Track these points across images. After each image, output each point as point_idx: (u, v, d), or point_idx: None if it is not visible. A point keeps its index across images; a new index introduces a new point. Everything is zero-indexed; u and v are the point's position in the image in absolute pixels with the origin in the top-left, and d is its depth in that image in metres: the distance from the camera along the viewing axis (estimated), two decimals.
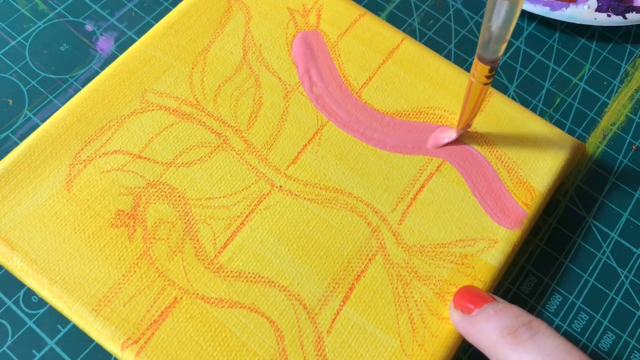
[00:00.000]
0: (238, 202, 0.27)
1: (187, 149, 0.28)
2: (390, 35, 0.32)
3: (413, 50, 0.32)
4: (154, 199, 0.27)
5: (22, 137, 0.31)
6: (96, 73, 0.33)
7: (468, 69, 0.35)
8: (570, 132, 0.34)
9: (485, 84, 0.25)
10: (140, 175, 0.27)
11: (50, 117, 0.28)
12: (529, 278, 0.30)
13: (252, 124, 0.29)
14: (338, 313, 0.25)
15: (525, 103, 0.34)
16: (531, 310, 0.29)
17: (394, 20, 0.36)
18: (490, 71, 0.24)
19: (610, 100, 0.35)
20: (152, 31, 0.31)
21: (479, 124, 0.30)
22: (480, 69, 0.24)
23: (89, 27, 0.34)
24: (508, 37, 0.22)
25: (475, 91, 0.25)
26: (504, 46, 0.22)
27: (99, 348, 0.27)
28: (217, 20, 0.31)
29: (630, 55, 0.36)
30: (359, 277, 0.26)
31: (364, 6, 0.36)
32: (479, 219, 0.28)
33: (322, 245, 0.27)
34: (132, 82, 0.29)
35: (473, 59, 0.35)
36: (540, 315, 0.29)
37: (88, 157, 0.27)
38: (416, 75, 0.31)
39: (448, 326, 0.25)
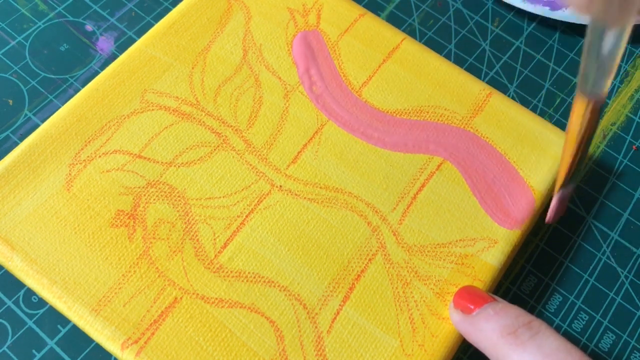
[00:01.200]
0: (238, 202, 0.27)
1: (187, 148, 0.28)
2: (390, 35, 0.32)
3: (413, 50, 0.32)
4: (154, 199, 0.27)
5: (22, 137, 0.31)
6: (96, 73, 0.33)
7: (468, 69, 0.35)
8: None
9: (588, 131, 0.21)
10: (140, 175, 0.27)
11: (50, 117, 0.28)
12: (529, 278, 0.30)
13: (252, 123, 0.29)
14: (338, 313, 0.25)
15: (525, 103, 0.34)
16: (531, 310, 0.29)
17: (394, 20, 0.36)
18: (593, 110, 0.20)
19: (610, 100, 0.35)
20: (152, 31, 0.31)
21: (479, 124, 0.30)
22: (580, 108, 0.21)
23: (89, 27, 0.34)
24: (615, 68, 0.19)
25: (574, 139, 0.22)
26: (609, 80, 0.19)
27: (99, 348, 0.27)
28: (217, 20, 0.31)
29: (630, 55, 0.36)
30: (359, 277, 0.26)
31: (364, 6, 0.36)
32: (479, 219, 0.28)
33: (322, 245, 0.27)
34: (132, 82, 0.29)
35: (477, 59, 0.35)
36: (540, 315, 0.29)
37: (88, 157, 0.27)
38: (416, 75, 0.31)
39: (448, 326, 0.25)
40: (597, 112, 0.21)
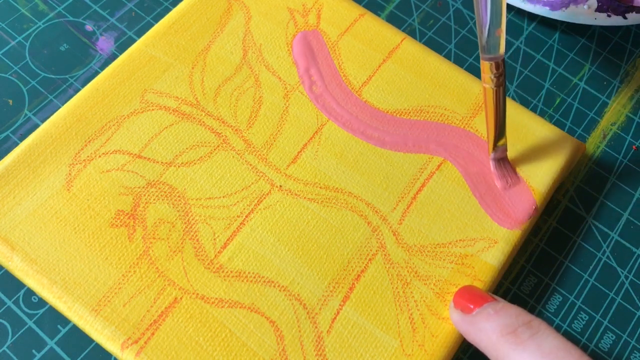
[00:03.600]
0: (238, 201, 0.27)
1: (187, 148, 0.28)
2: (390, 35, 0.32)
3: (413, 50, 0.32)
4: (154, 199, 0.27)
5: (22, 137, 0.31)
6: (96, 73, 0.33)
7: (468, 69, 0.35)
8: (570, 132, 0.34)
9: (497, 87, 0.24)
10: (140, 175, 0.27)
11: (50, 117, 0.28)
12: (529, 278, 0.30)
13: (252, 123, 0.29)
14: (338, 313, 0.25)
15: (525, 103, 0.34)
16: (531, 310, 0.29)
17: (394, 20, 0.36)
18: (496, 68, 0.24)
19: (610, 100, 0.35)
20: (152, 31, 0.31)
21: (479, 124, 0.30)
22: (485, 68, 0.24)
23: (89, 27, 0.34)
24: (503, 28, 0.22)
25: (489, 97, 0.25)
26: (502, 41, 0.22)
27: (99, 348, 0.27)
28: (217, 20, 0.31)
29: (630, 55, 0.36)
30: (359, 277, 0.26)
31: (364, 6, 0.36)
32: (479, 219, 0.28)
33: (322, 245, 0.27)
34: (132, 82, 0.29)
35: (477, 59, 0.35)
36: (540, 315, 0.29)
37: (88, 157, 0.27)
38: (416, 75, 0.31)
39: (448, 326, 0.25)
40: (499, 69, 0.24)
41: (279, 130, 0.29)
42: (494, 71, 0.24)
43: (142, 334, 0.24)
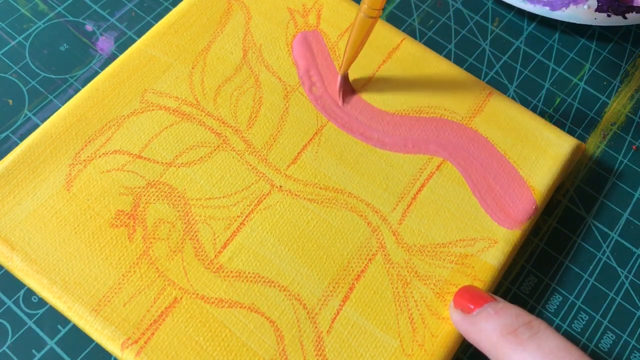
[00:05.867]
0: (238, 202, 0.27)
1: (187, 149, 0.28)
2: (390, 35, 0.32)
3: (413, 50, 0.32)
4: (154, 199, 0.27)
5: (22, 137, 0.31)
6: (96, 73, 0.33)
7: (468, 69, 0.35)
8: (570, 132, 0.34)
9: (373, 18, 0.26)
10: (140, 175, 0.27)
11: (50, 117, 0.28)
12: (529, 278, 0.30)
13: (252, 124, 0.29)
14: (338, 313, 0.25)
15: (525, 103, 0.34)
16: (531, 310, 0.29)
17: (394, 20, 0.36)
18: (382, 3, 0.25)
19: (610, 100, 0.35)
20: (152, 31, 0.31)
21: (479, 124, 0.30)
22: (371, 2, 0.25)
23: (89, 27, 0.34)
24: None
25: (364, 26, 0.26)
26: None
27: (99, 348, 0.27)
28: (217, 20, 0.31)
29: (630, 55, 0.36)
30: (359, 277, 0.26)
31: None
32: (479, 219, 0.28)
33: (322, 245, 0.27)
34: (132, 82, 0.29)
35: (477, 59, 0.35)
36: (540, 315, 0.29)
37: (88, 157, 0.27)
38: (416, 75, 0.31)
39: (448, 326, 0.25)
40: (382, 4, 0.26)
41: (279, 131, 0.29)
42: (380, 6, 0.25)
43: (142, 334, 0.24)
